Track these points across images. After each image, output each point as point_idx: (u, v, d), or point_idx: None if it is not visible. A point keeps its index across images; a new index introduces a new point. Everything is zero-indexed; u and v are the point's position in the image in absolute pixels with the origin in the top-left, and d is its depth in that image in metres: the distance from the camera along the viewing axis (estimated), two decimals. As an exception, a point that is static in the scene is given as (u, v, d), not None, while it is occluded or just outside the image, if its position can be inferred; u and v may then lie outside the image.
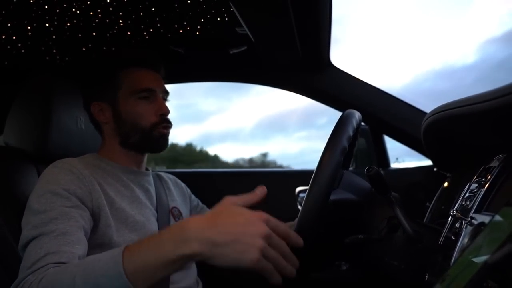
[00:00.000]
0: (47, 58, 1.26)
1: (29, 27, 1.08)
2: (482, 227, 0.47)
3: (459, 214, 0.56)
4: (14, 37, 1.12)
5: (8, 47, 1.17)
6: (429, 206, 0.93)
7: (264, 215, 0.56)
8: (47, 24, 1.07)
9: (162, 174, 1.12)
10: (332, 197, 0.72)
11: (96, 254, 0.77)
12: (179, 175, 1.20)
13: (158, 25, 1.11)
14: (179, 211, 1.04)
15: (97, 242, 0.79)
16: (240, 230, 0.53)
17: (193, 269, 1.01)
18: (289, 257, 0.57)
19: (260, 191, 0.61)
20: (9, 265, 0.69)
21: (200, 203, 1.20)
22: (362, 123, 1.14)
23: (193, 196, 1.19)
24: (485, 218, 0.48)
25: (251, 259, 0.52)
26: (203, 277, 1.05)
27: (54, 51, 1.22)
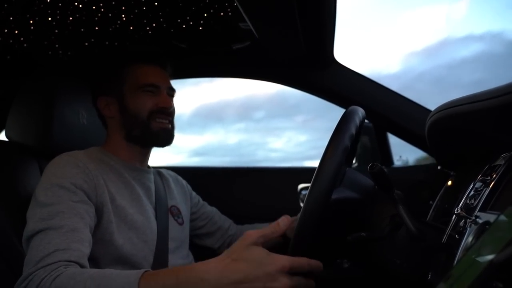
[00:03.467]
0: (50, 52, 1.25)
1: (31, 21, 1.07)
2: (487, 226, 0.46)
3: (464, 213, 0.55)
4: (16, 31, 1.12)
5: (11, 41, 1.17)
6: (433, 205, 0.93)
7: (285, 264, 0.53)
8: (50, 19, 1.07)
9: (163, 171, 1.12)
10: (334, 196, 0.71)
11: (98, 251, 0.78)
12: (180, 171, 1.20)
13: (161, 20, 1.11)
14: (178, 210, 1.04)
15: (98, 237, 0.79)
16: (260, 286, 0.52)
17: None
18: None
19: (283, 223, 0.59)
20: (11, 258, 0.69)
21: (201, 200, 1.19)
22: (366, 120, 1.13)
23: (194, 193, 1.18)
24: (490, 217, 0.48)
25: None
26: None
27: (57, 45, 1.22)
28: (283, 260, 0.54)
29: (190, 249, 1.04)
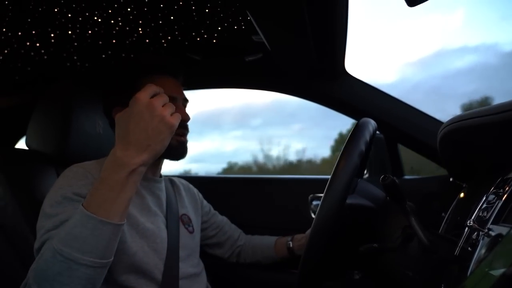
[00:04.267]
0: (68, 64, 1.30)
1: (52, 35, 1.12)
2: (499, 239, 0.47)
3: (476, 225, 0.55)
4: (37, 44, 1.17)
5: (32, 53, 1.21)
6: (445, 217, 0.92)
7: (139, 96, 0.68)
8: (70, 32, 1.11)
9: (175, 179, 1.13)
10: (348, 201, 0.72)
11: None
12: (191, 180, 1.21)
13: (176, 32, 1.14)
14: (189, 218, 1.05)
15: None
16: (150, 128, 0.66)
17: (202, 275, 1.02)
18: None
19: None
20: (30, 263, 0.71)
21: (212, 209, 1.20)
22: (377, 132, 1.14)
23: (205, 202, 1.19)
24: (503, 230, 0.48)
25: (171, 133, 0.68)
26: (213, 283, 1.05)
27: (75, 57, 1.26)
28: (138, 96, 0.69)
29: (200, 258, 1.05)
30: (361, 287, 1.13)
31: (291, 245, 1.13)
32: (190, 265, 0.97)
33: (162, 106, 0.68)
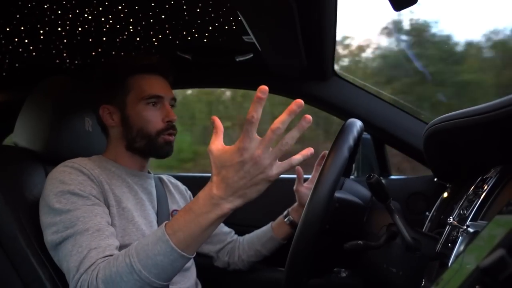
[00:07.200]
0: (57, 61, 1.29)
1: (41, 31, 1.11)
2: (476, 235, 0.49)
3: (456, 223, 0.57)
4: (26, 40, 1.16)
5: (20, 49, 1.20)
6: (429, 216, 0.95)
7: (247, 147, 0.61)
8: (59, 29, 1.10)
9: (164, 177, 1.14)
10: (337, 195, 0.74)
11: None
12: (180, 179, 1.22)
13: (167, 31, 1.14)
14: None
15: None
16: (249, 178, 0.62)
17: (192, 270, 1.02)
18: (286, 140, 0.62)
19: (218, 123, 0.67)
20: (18, 262, 0.71)
21: None
22: (364, 133, 1.15)
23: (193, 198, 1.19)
24: (480, 226, 0.50)
25: (268, 183, 0.65)
26: (202, 278, 1.06)
27: (65, 54, 1.25)
28: (247, 146, 0.61)
29: None
30: (348, 284, 1.15)
31: (291, 219, 1.10)
32: None
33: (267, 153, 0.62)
